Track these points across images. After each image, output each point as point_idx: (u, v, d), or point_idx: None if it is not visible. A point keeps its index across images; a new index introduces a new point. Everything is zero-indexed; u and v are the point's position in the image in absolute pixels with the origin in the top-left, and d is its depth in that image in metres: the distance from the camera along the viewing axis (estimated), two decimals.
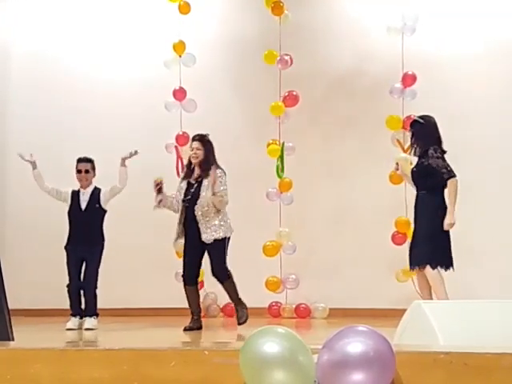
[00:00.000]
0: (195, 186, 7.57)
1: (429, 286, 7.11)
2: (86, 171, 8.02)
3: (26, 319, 7.68)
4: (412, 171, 7.40)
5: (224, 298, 9.66)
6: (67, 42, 10.49)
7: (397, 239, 9.07)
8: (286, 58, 9.53)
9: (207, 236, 7.41)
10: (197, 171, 7.61)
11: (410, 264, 7.31)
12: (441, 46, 9.61)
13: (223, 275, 7.48)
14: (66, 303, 8.02)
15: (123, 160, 8.09)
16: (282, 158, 9.44)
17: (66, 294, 8.03)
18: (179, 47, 9.78)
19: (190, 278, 7.56)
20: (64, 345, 4.44)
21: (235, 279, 7.72)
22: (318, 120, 9.84)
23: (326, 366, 3.19)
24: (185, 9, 9.76)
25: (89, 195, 8.01)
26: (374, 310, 9.00)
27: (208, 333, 7.99)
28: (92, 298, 7.94)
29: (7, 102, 10.58)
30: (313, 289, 9.54)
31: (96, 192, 8.04)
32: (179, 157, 9.73)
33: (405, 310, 4.61)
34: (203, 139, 7.67)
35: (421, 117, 7.35)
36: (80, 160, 8.12)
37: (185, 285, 7.60)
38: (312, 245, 9.64)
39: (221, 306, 9.76)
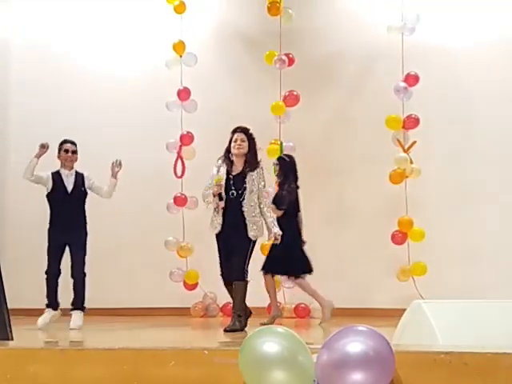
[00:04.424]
0: (237, 179, 6.95)
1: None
2: (73, 152, 7.77)
3: (25, 319, 7.64)
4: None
5: (223, 298, 9.69)
6: (69, 41, 10.46)
7: (397, 239, 9.07)
8: (284, 57, 9.50)
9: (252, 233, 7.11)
10: (239, 164, 6.98)
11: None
12: (440, 45, 9.59)
13: (239, 275, 7.02)
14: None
15: (116, 172, 7.80)
16: None
17: (45, 284, 7.67)
18: (179, 47, 9.77)
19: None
20: (64, 344, 4.44)
21: None
22: (318, 120, 9.83)
23: (325, 365, 3.19)
24: (180, 8, 9.76)
25: (74, 177, 7.75)
26: (373, 309, 9.00)
27: (208, 332, 7.99)
28: (82, 288, 7.54)
29: (8, 94, 10.56)
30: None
31: (80, 175, 7.79)
32: (180, 156, 9.72)
33: (405, 310, 4.61)
34: (247, 132, 7.16)
35: (285, 155, 8.50)
36: (66, 141, 7.82)
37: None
38: (312, 244, 9.62)
39: (220, 306, 9.76)
